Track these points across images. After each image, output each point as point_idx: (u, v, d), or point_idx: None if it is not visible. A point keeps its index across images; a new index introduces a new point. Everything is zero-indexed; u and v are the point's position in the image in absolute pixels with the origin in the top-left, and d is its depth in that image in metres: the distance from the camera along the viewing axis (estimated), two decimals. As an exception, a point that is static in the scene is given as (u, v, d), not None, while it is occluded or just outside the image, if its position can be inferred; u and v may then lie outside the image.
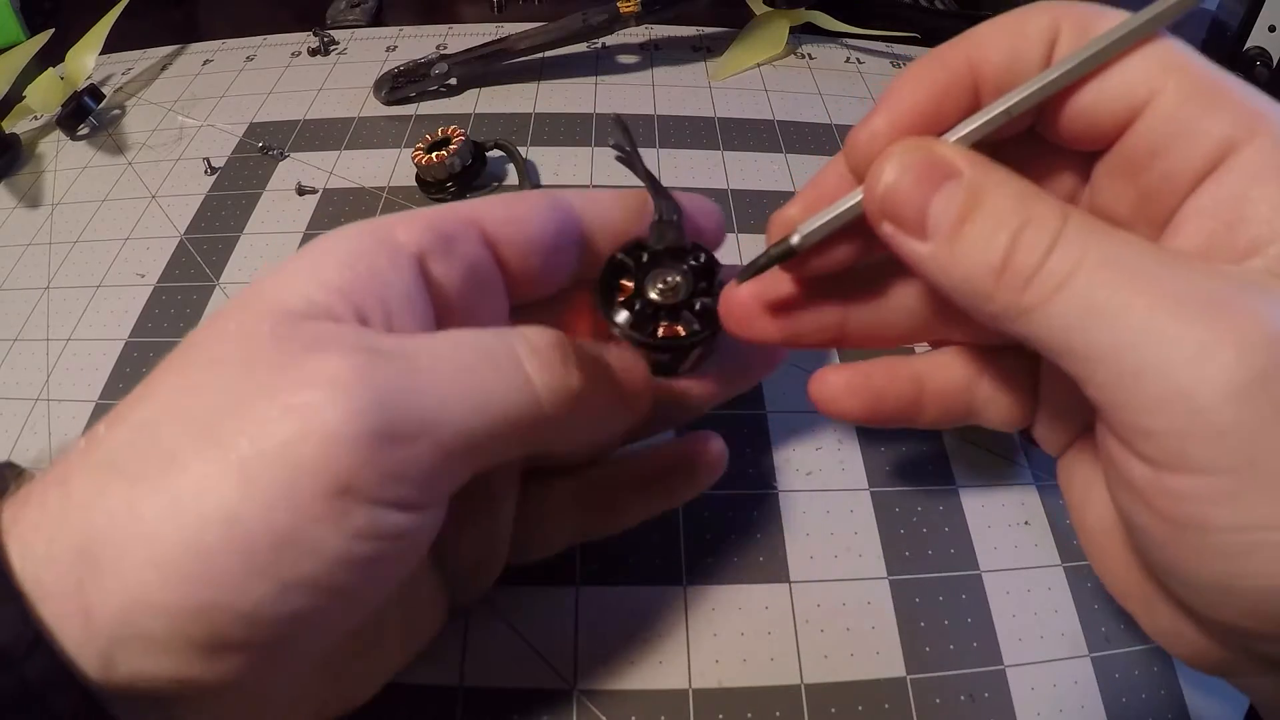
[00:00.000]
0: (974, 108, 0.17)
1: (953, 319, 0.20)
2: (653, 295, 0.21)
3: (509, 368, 0.16)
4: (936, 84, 0.17)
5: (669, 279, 0.21)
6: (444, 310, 0.18)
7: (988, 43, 0.17)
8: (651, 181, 0.22)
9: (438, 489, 0.16)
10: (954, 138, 0.16)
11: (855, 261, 0.19)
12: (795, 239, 0.18)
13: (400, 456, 0.14)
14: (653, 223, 0.21)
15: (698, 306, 0.21)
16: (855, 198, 0.17)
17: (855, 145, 0.17)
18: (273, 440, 0.13)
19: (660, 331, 0.21)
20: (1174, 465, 0.13)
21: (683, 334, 0.21)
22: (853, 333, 0.20)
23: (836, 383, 0.21)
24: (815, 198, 0.19)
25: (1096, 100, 0.16)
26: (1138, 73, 0.16)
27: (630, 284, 0.21)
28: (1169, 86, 0.15)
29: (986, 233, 0.15)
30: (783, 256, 0.18)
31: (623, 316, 0.21)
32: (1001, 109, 0.16)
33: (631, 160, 0.24)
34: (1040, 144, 0.18)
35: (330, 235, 0.17)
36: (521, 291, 0.20)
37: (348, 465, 0.13)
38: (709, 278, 0.21)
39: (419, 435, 0.14)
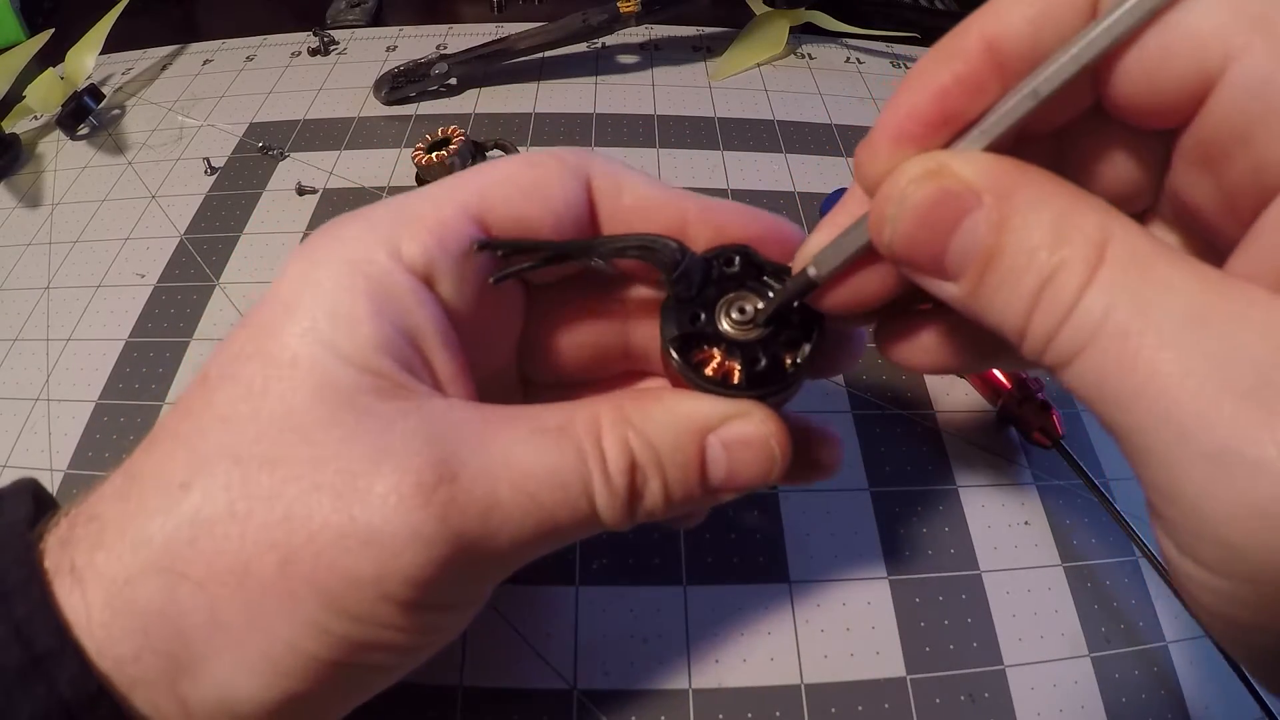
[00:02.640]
0: (1001, 95, 0.13)
1: None
2: (724, 326, 0.17)
3: (579, 499, 0.15)
4: (946, 76, 0.13)
5: (746, 308, 0.17)
6: (457, 322, 0.17)
7: (1007, 11, 0.13)
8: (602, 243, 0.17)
9: (481, 594, 0.17)
10: (972, 137, 0.13)
11: (898, 289, 0.16)
12: (812, 270, 0.16)
13: (452, 582, 0.15)
14: (669, 280, 0.17)
15: (764, 363, 0.17)
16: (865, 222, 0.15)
17: (859, 165, 0.15)
18: (340, 559, 0.14)
19: (711, 367, 0.17)
20: (1188, 555, 0.12)
21: (735, 380, 0.17)
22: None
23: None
24: (837, 223, 0.16)
25: (1156, 63, 0.12)
26: (1208, 26, 0.12)
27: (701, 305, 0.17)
28: (1253, 47, 0.11)
29: (1014, 278, 0.12)
30: (803, 291, 0.16)
31: (673, 333, 0.17)
32: (1027, 91, 0.13)
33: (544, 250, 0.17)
34: (1112, 120, 0.14)
35: (336, 251, 0.16)
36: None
37: (400, 584, 0.14)
38: (806, 330, 0.17)
39: (480, 570, 0.16)
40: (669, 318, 0.17)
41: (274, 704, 0.15)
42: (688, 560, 0.25)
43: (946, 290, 0.14)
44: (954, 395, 0.30)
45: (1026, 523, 0.27)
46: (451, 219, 0.16)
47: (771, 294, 0.17)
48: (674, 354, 0.17)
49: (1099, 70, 0.13)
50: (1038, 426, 0.27)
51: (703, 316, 0.17)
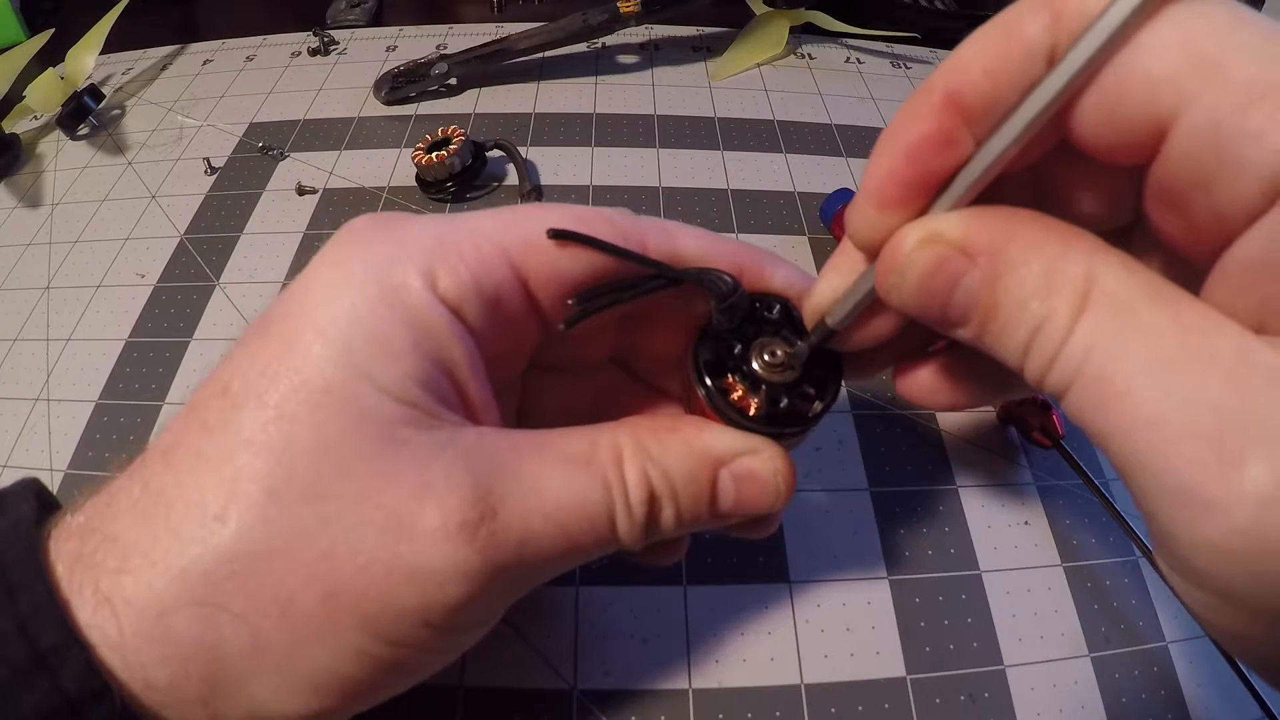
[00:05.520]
0: (973, 143, 0.14)
1: None
2: (754, 364, 0.18)
3: (603, 527, 0.16)
4: (915, 137, 0.14)
5: (778, 352, 0.18)
6: (483, 351, 0.17)
7: (966, 65, 0.13)
8: (660, 265, 0.18)
9: (503, 610, 0.17)
10: (956, 193, 0.14)
11: (905, 323, 0.17)
12: (830, 321, 0.17)
13: (484, 605, 0.16)
14: (717, 308, 0.18)
15: (784, 403, 0.18)
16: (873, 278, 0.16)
17: (850, 228, 0.16)
18: (386, 593, 0.14)
19: (734, 396, 0.18)
20: (1172, 568, 0.13)
21: (751, 413, 0.18)
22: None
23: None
24: (837, 269, 0.17)
25: (1113, 106, 0.12)
26: (1160, 70, 0.12)
27: (735, 343, 0.18)
28: (1204, 94, 0.11)
29: (1010, 327, 0.13)
30: (825, 337, 0.17)
31: (707, 357, 0.18)
32: (996, 151, 0.13)
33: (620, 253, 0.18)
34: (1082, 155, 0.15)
35: (370, 270, 0.16)
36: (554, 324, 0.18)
37: (441, 613, 0.15)
38: (823, 381, 0.18)
39: (509, 592, 0.16)
40: (705, 343, 0.18)
41: (305, 717, 0.15)
42: (688, 560, 0.25)
43: (957, 333, 0.15)
44: (954, 395, 0.30)
45: (1026, 523, 0.27)
46: (492, 260, 0.16)
47: (802, 343, 0.18)
48: (705, 376, 0.18)
49: (1061, 112, 0.13)
50: (1038, 426, 0.27)
51: (736, 349, 0.18)
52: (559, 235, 0.16)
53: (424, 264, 0.16)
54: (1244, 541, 0.11)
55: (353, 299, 0.15)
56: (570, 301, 0.17)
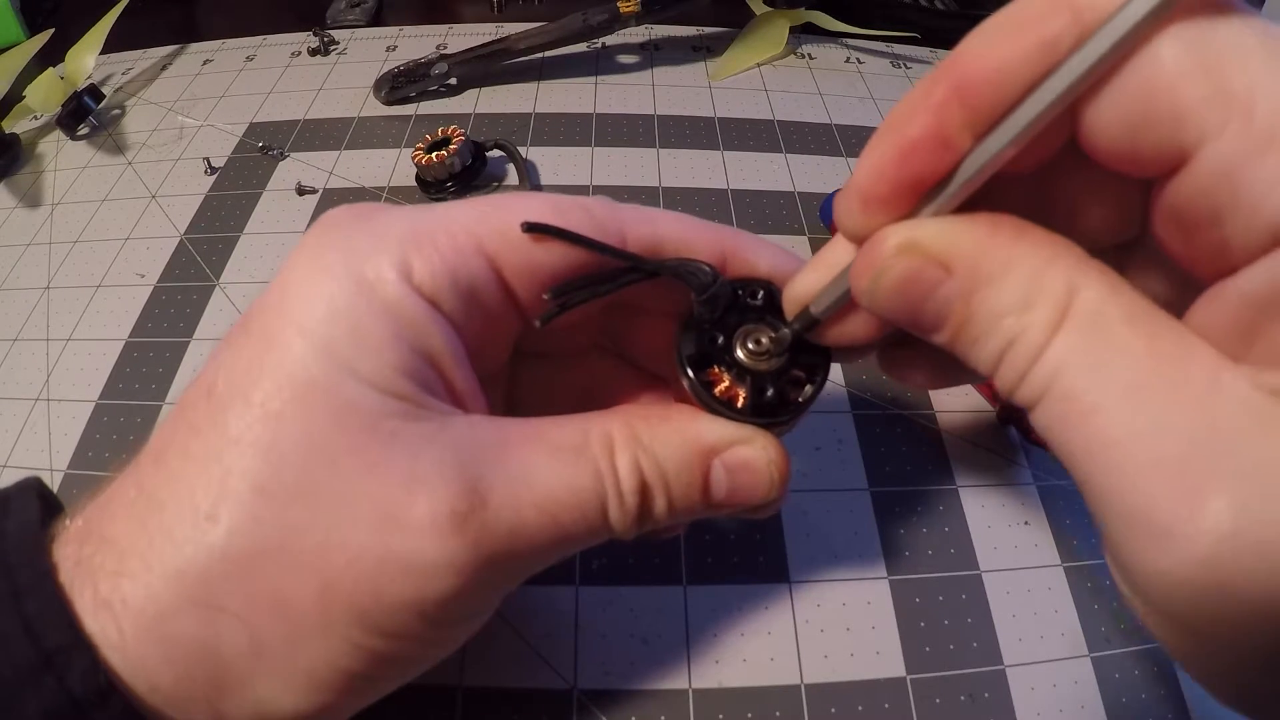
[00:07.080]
0: (972, 143, 0.13)
1: None
2: (739, 353, 0.18)
3: (595, 517, 0.16)
4: (914, 134, 0.13)
5: (762, 339, 0.18)
6: (464, 340, 0.17)
7: (977, 58, 0.13)
8: (633, 258, 0.17)
9: (496, 602, 0.17)
10: (945, 195, 0.14)
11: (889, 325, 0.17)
12: (813, 309, 0.17)
13: (477, 596, 0.16)
14: (698, 300, 0.18)
15: (770, 393, 0.18)
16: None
17: (839, 218, 0.15)
18: (378, 586, 0.14)
19: (719, 389, 0.18)
20: (1123, 581, 0.13)
21: (739, 404, 0.18)
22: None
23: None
24: (824, 263, 0.17)
25: (1136, 126, 0.12)
26: (1188, 98, 0.11)
27: (720, 333, 0.18)
28: (1228, 131, 0.11)
29: (982, 340, 0.13)
30: (808, 326, 0.17)
31: (690, 350, 0.18)
32: (991, 153, 0.13)
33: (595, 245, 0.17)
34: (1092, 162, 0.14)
35: (347, 263, 0.15)
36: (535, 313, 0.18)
37: (434, 605, 0.15)
38: (812, 364, 0.18)
39: (501, 582, 0.16)
40: (688, 336, 0.18)
41: (307, 714, 0.15)
42: (688, 560, 0.25)
43: (931, 337, 0.15)
44: (954, 395, 0.30)
45: (1026, 523, 0.27)
46: (467, 251, 0.16)
47: (786, 330, 0.18)
48: (688, 370, 0.18)
49: (1073, 117, 0.13)
50: (1038, 426, 0.27)
51: (720, 340, 0.18)
52: (533, 229, 0.16)
53: (398, 255, 0.16)
54: (1200, 573, 0.11)
55: (330, 292, 0.15)
56: (546, 297, 0.17)
